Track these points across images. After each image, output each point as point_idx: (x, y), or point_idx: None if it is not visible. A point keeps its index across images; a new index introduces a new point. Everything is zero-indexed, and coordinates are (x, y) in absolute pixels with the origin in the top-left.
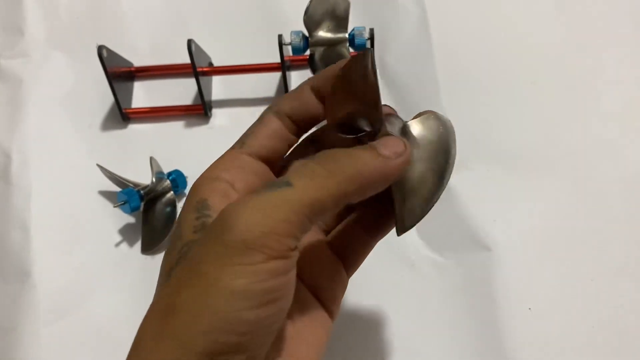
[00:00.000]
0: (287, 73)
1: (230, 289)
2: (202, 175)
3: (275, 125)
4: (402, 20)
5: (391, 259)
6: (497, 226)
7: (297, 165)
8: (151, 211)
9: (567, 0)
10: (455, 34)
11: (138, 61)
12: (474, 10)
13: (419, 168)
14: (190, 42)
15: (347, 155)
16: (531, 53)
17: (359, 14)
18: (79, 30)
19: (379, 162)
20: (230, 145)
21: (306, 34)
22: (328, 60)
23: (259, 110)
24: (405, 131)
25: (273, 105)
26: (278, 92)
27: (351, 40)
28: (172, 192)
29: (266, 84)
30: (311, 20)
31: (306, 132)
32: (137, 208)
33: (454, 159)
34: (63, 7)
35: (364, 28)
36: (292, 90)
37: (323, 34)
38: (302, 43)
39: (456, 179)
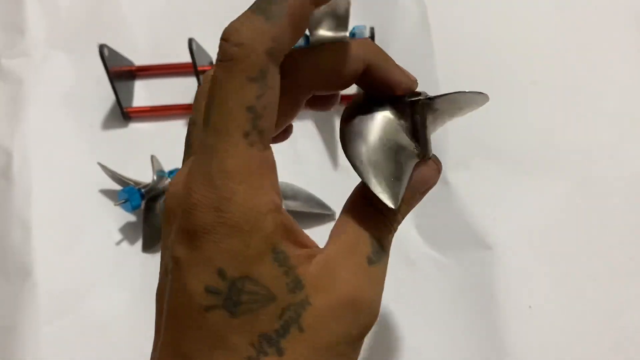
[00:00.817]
0: None
1: None
2: (252, 204)
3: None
4: (403, 19)
5: (391, 257)
6: (498, 225)
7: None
8: (152, 210)
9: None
10: (456, 33)
11: (139, 60)
12: (474, 10)
13: None
14: (191, 41)
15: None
16: (531, 53)
17: (359, 13)
18: (80, 29)
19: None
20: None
21: (306, 32)
22: None
23: None
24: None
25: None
26: None
27: (352, 38)
28: None
29: None
30: (312, 20)
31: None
32: (138, 206)
33: None
34: (64, 6)
35: (365, 27)
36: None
37: (323, 32)
38: (302, 42)
39: (456, 178)
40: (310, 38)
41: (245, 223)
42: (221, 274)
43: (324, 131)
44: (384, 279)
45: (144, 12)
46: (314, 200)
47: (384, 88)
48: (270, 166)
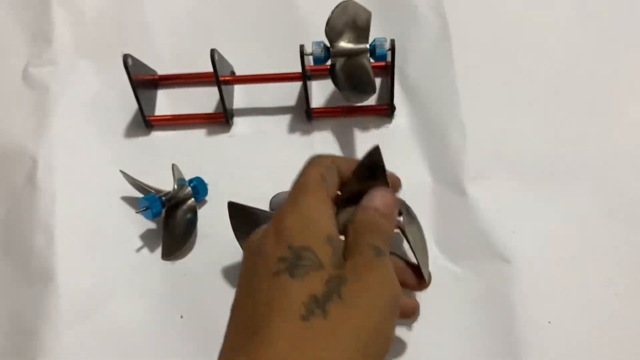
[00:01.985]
0: (308, 83)
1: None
2: (315, 230)
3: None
4: (423, 31)
5: None
6: (517, 238)
7: None
8: (172, 218)
9: (589, 8)
10: (476, 45)
11: (162, 69)
12: (494, 21)
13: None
14: (213, 52)
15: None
16: (553, 63)
17: (379, 25)
18: (105, 38)
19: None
20: (252, 157)
21: (327, 44)
22: (349, 70)
23: (280, 119)
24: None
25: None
26: (299, 101)
27: (372, 50)
28: (193, 199)
29: (287, 94)
30: (332, 31)
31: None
32: (159, 214)
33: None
34: (89, 16)
35: (385, 39)
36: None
37: (344, 44)
38: (323, 53)
39: (474, 189)
40: (331, 49)
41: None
42: (290, 247)
43: (343, 140)
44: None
45: (168, 22)
46: None
47: None
48: (332, 214)
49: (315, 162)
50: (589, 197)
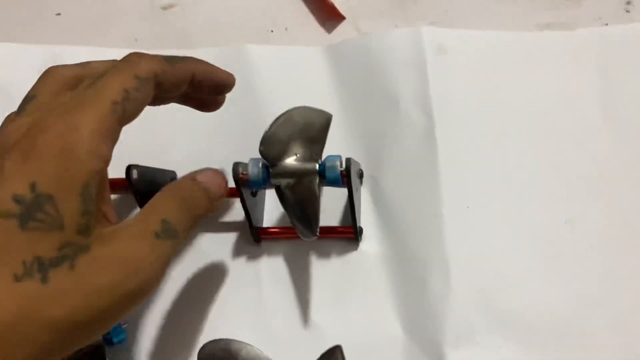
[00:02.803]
0: (249, 200)
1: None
2: (76, 137)
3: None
4: (404, 132)
5: None
6: None
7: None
8: None
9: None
10: (470, 154)
11: None
12: (495, 124)
13: None
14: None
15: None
16: (569, 186)
17: (350, 122)
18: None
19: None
20: None
21: (266, 163)
22: (298, 195)
23: (218, 237)
24: None
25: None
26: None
27: (321, 172)
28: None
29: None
30: (271, 149)
31: None
32: None
33: None
34: None
35: (339, 157)
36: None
37: (290, 162)
38: (261, 175)
39: (459, 357)
40: (272, 170)
41: (76, 152)
42: (32, 187)
43: (297, 275)
44: (168, 256)
45: None
46: None
47: (212, 87)
48: (115, 138)
49: (128, 66)
50: None
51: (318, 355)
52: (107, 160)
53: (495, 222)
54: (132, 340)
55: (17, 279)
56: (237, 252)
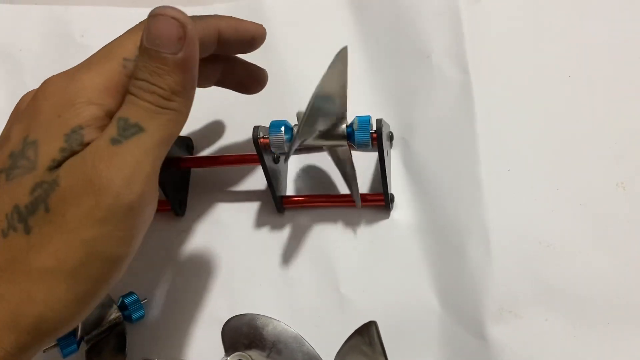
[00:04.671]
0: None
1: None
2: (76, 88)
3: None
4: (437, 90)
5: None
6: None
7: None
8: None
9: None
10: (510, 110)
11: None
12: (538, 79)
13: None
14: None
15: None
16: (620, 145)
17: (377, 79)
18: None
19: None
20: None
21: (291, 126)
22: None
23: (243, 209)
24: None
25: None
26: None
27: (349, 134)
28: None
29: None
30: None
31: None
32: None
33: None
34: None
35: (369, 118)
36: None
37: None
38: (287, 137)
39: (499, 332)
40: (297, 137)
41: (73, 101)
42: (25, 139)
43: (324, 246)
44: (137, 156)
45: None
46: (302, 352)
47: (241, 42)
48: (122, 93)
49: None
50: None
51: (349, 331)
52: (108, 110)
53: (538, 185)
54: (152, 316)
55: (4, 234)
56: (260, 222)
